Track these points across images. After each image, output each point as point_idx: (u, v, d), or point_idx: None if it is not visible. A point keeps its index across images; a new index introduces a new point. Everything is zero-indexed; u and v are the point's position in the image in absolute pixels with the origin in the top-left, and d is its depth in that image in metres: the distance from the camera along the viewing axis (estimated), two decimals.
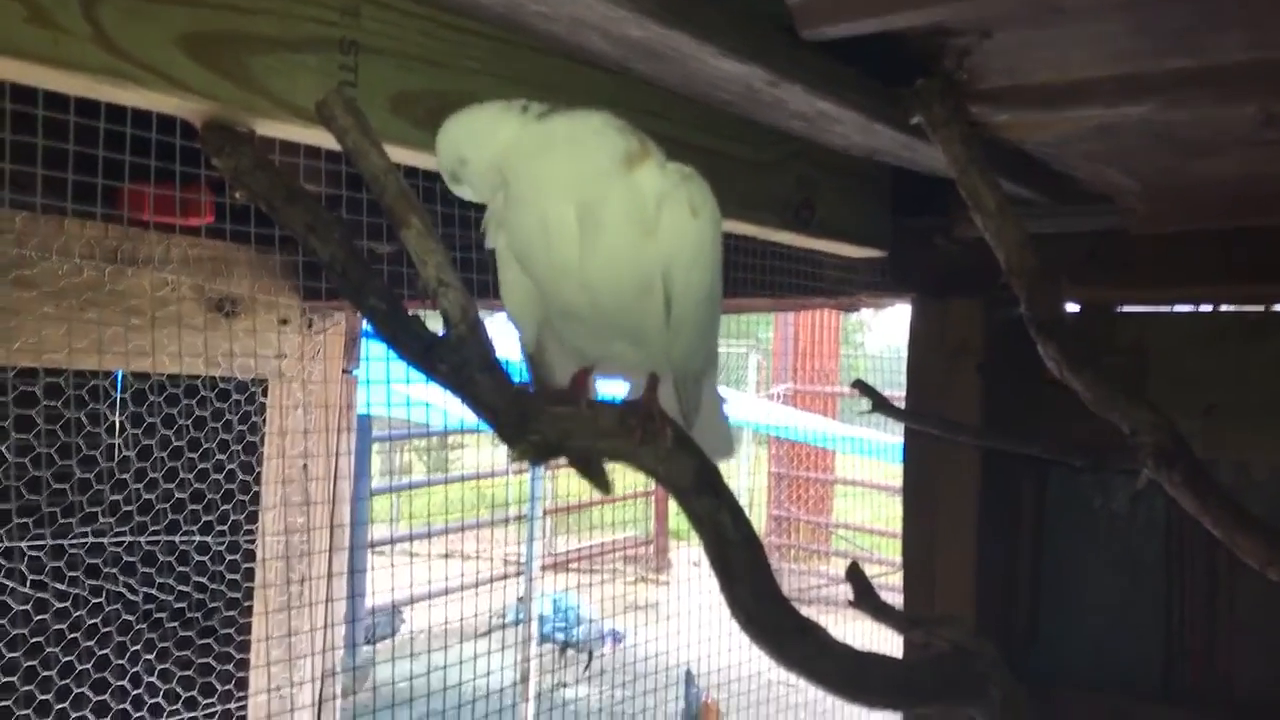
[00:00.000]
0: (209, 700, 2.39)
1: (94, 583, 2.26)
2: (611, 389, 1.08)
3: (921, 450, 2.07)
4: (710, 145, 1.42)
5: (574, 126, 0.93)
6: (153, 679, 2.33)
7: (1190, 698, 1.89)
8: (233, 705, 2.43)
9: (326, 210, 0.98)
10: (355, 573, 2.87)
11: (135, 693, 2.29)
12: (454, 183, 0.99)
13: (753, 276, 1.98)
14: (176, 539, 2.38)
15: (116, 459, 2.32)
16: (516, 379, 0.93)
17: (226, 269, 2.34)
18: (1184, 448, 1.20)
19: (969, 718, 1.20)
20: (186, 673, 2.36)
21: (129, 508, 2.30)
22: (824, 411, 9.33)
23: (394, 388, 3.01)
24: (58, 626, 2.20)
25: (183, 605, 2.41)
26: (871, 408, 1.88)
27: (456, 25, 1.11)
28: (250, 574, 2.47)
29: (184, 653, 2.39)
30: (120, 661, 2.28)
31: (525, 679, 4.88)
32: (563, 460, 0.98)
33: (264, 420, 2.49)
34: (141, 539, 2.32)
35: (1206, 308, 1.96)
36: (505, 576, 6.42)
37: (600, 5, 0.97)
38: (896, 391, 2.25)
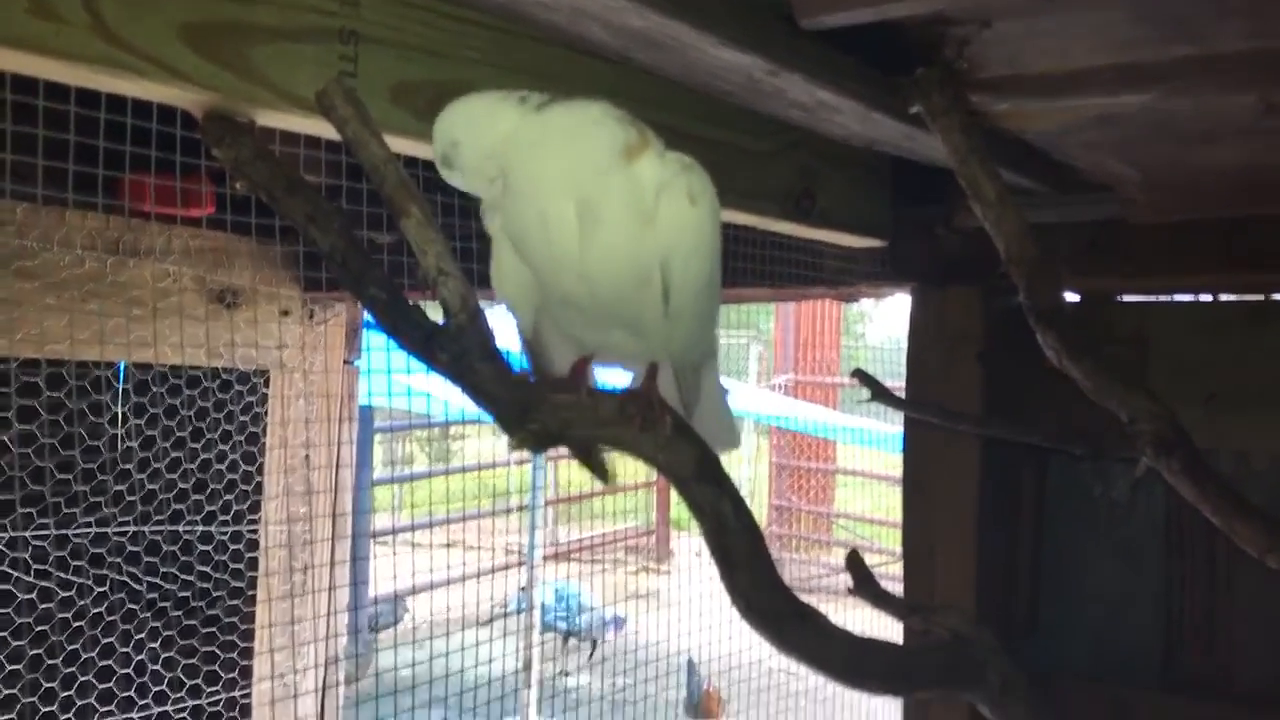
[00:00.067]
0: (213, 687, 2.40)
1: (98, 572, 2.27)
2: (611, 377, 1.08)
3: (922, 439, 2.07)
4: (710, 135, 1.42)
5: (573, 118, 0.93)
6: (157, 667, 2.35)
7: (1190, 685, 1.90)
8: (237, 692, 2.44)
9: (326, 200, 0.99)
10: (357, 560, 2.88)
11: (140, 680, 2.30)
12: (445, 167, 0.98)
13: (753, 266, 1.98)
14: (180, 528, 2.39)
15: (120, 449, 2.33)
16: (517, 368, 0.93)
17: (228, 260, 2.34)
18: (1182, 436, 1.21)
19: (968, 703, 1.21)
20: (191, 660, 2.38)
21: (132, 498, 2.31)
22: (825, 402, 9.35)
23: (395, 378, 3.02)
24: (62, 615, 2.21)
25: (186, 594, 2.42)
26: (871, 396, 1.89)
27: (457, 15, 1.11)
28: (253, 562, 2.48)
29: (188, 641, 2.40)
30: (125, 650, 2.30)
31: (528, 667, 4.90)
32: (563, 449, 0.99)
33: (266, 410, 2.49)
34: (145, 528, 2.33)
35: (1207, 297, 1.96)
36: (507, 566, 6.44)
37: None
38: (898, 382, 2.25)
